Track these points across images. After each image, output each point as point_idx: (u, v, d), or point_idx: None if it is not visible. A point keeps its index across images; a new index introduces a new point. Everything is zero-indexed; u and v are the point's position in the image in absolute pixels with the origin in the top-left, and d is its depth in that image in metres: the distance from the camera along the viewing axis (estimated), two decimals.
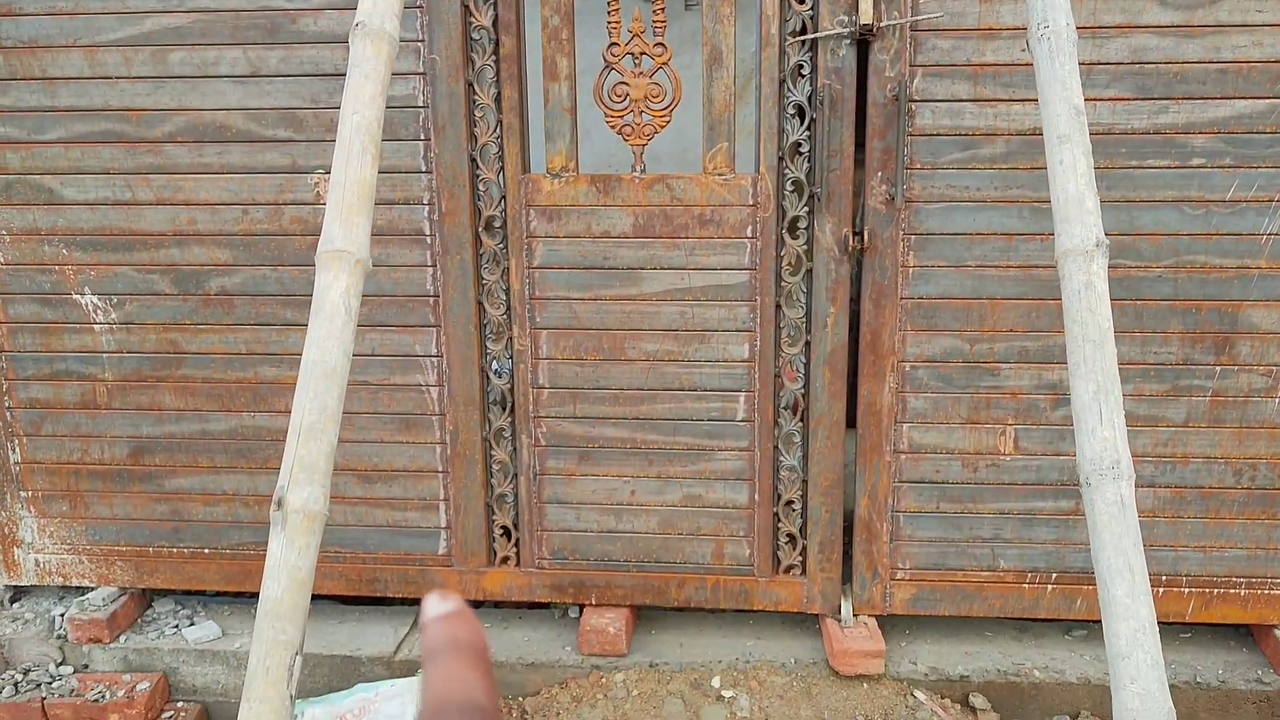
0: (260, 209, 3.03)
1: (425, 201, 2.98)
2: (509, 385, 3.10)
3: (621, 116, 2.92)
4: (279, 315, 3.09)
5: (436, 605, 0.40)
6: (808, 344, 3.00)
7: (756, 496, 3.10)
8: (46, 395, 3.23)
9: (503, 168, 2.96)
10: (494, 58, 2.89)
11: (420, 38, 2.89)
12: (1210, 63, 2.74)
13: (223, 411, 3.19)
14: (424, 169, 2.96)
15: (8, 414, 3.25)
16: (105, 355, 3.18)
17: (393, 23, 2.17)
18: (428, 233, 3.00)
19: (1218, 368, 2.91)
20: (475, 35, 2.89)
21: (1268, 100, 2.74)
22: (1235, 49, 2.73)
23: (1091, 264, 1.98)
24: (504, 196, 2.98)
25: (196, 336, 3.14)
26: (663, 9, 2.87)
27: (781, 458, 3.09)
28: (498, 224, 3.00)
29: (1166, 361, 2.92)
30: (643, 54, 2.88)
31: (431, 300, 3.04)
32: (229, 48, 2.94)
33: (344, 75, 2.87)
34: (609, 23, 2.86)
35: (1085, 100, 2.74)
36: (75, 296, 3.14)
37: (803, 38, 2.80)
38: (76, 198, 3.07)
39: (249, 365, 3.14)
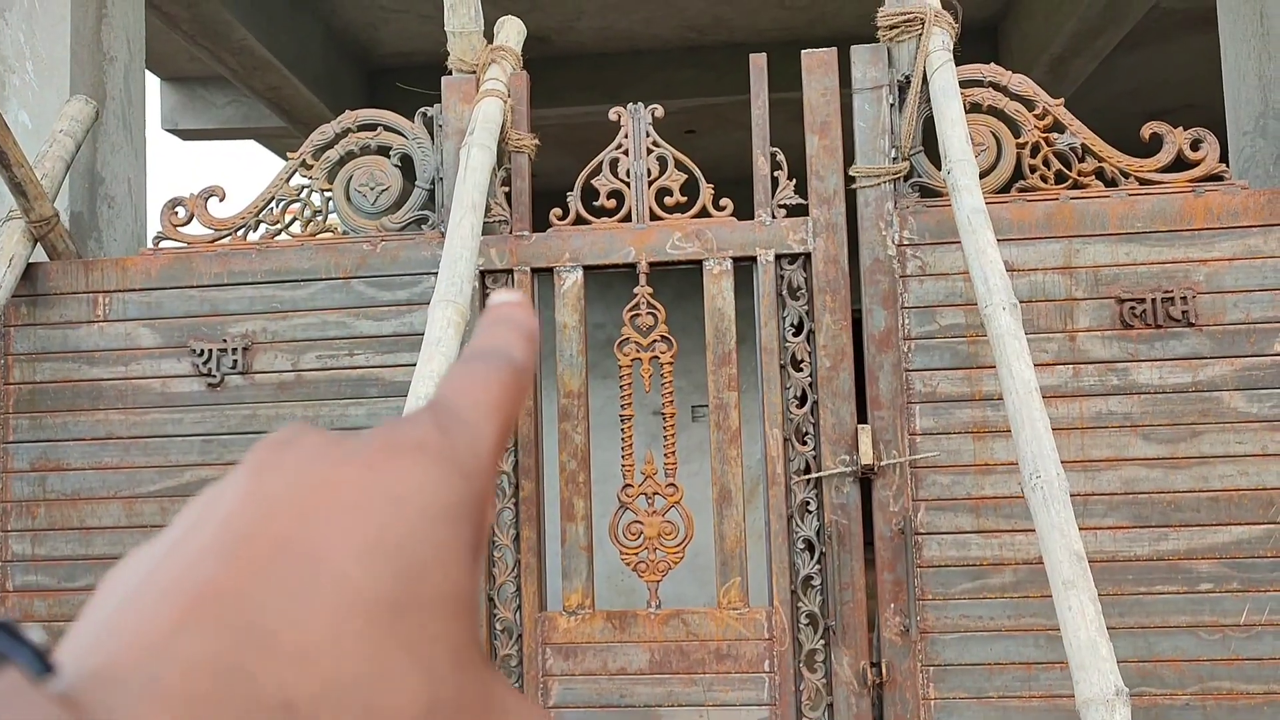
0: None
1: None
2: None
3: (636, 554, 3.00)
4: None
5: (503, 294, 0.39)
6: None
7: None
8: None
9: (520, 606, 3.01)
10: (514, 501, 3.03)
11: None
12: (1201, 491, 2.85)
13: None
14: None
15: None
16: None
17: None
18: None
19: None
20: (496, 480, 3.04)
21: (1263, 526, 2.83)
22: (1223, 478, 2.85)
23: (1114, 714, 1.97)
24: (520, 635, 3.00)
25: None
26: (673, 452, 3.04)
27: None
28: (514, 663, 3.00)
29: None
30: (655, 494, 3.02)
31: None
32: None
33: None
34: (623, 466, 3.02)
35: (1085, 529, 2.83)
36: None
37: (807, 476, 2.95)
38: None
39: None
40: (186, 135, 7.55)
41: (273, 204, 3.17)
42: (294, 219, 3.17)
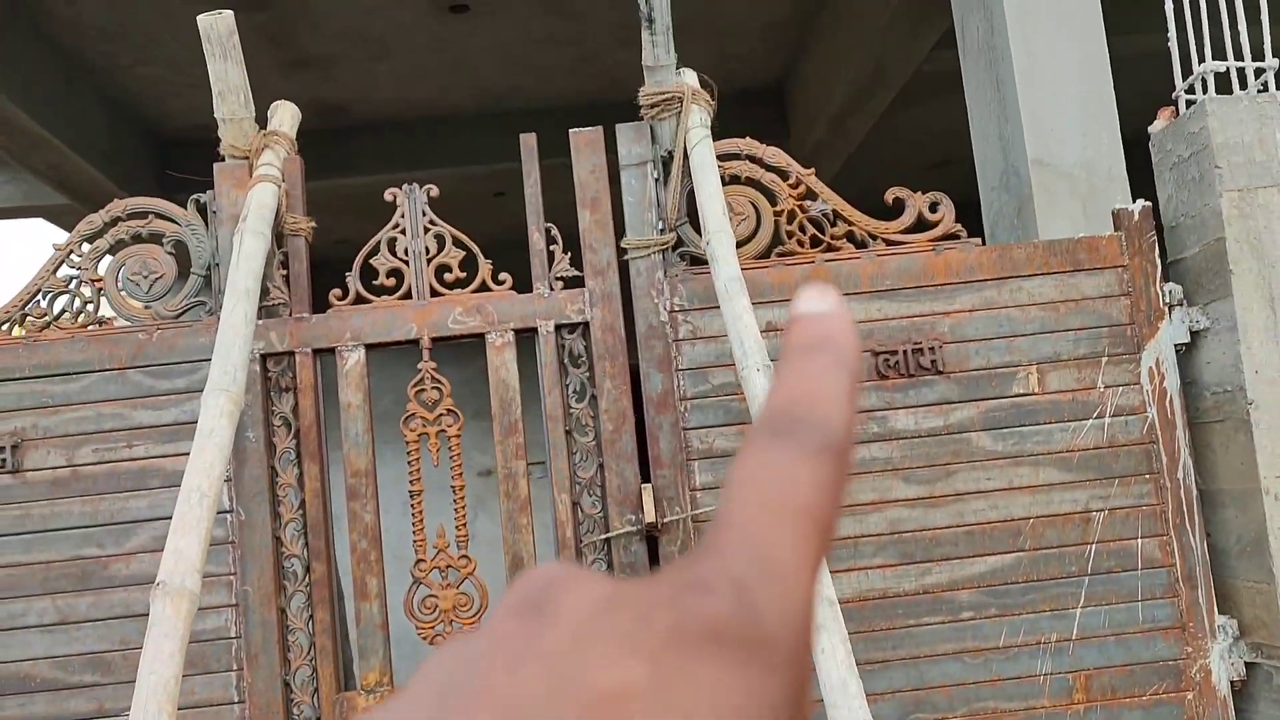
0: None
1: None
2: None
3: (433, 627, 3.03)
4: None
5: (813, 296, 0.30)
6: None
7: None
8: None
9: (317, 689, 2.99)
10: (306, 584, 3.02)
11: (233, 570, 3.00)
12: (958, 527, 3.08)
13: None
14: (237, 699, 2.96)
15: None
16: None
17: (194, 579, 2.29)
18: None
19: None
20: (287, 564, 3.03)
21: (1014, 554, 3.07)
22: (976, 513, 3.09)
23: None
24: (319, 718, 2.98)
25: None
26: (464, 524, 3.09)
27: None
28: None
29: None
30: (449, 567, 3.06)
31: None
32: (38, 598, 2.98)
33: None
34: (414, 541, 3.05)
35: (856, 569, 3.02)
36: None
37: (594, 538, 3.04)
38: None
39: None
40: None
41: (39, 296, 3.10)
42: (63, 311, 3.10)
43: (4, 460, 3.00)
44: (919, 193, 3.23)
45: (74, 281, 3.11)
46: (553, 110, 7.22)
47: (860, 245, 3.20)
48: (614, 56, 6.49)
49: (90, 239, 3.12)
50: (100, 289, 3.11)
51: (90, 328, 3.09)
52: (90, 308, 3.11)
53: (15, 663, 2.96)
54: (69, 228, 7.98)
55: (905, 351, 3.12)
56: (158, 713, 2.10)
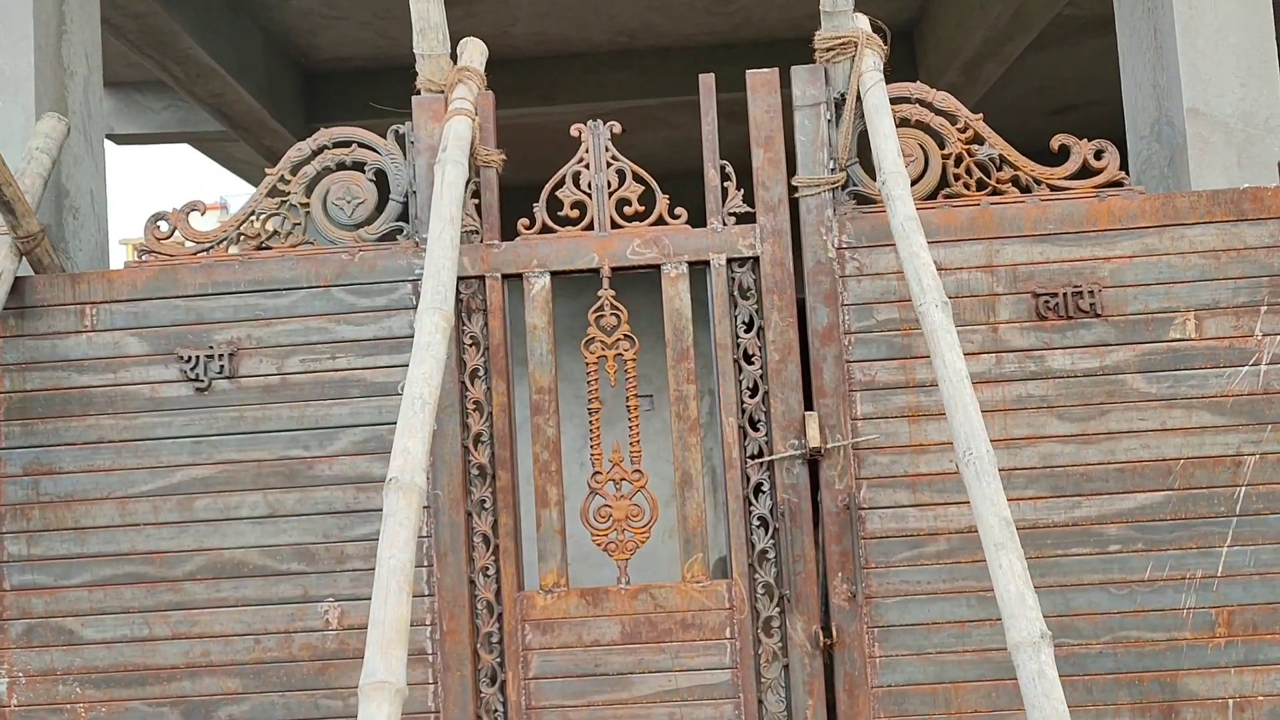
0: (271, 638, 3.25)
1: (428, 623, 3.23)
2: None
3: (606, 535, 3.26)
4: None
5: None
6: None
7: None
8: None
9: (499, 588, 3.25)
10: (491, 490, 3.27)
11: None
12: (1109, 464, 3.20)
13: None
14: (427, 592, 3.23)
15: None
16: None
17: (421, 476, 2.54)
18: (429, 651, 3.23)
19: None
20: (474, 471, 3.28)
21: (1163, 492, 3.19)
22: (1128, 451, 3.21)
23: (1039, 654, 2.29)
24: (500, 614, 3.24)
25: None
26: (638, 441, 3.30)
27: None
28: (495, 639, 3.24)
29: None
30: (623, 480, 3.28)
31: (432, 717, 3.21)
32: (250, 493, 3.28)
33: (354, 511, 3.23)
34: (592, 454, 3.28)
35: (1009, 500, 3.16)
36: None
37: (760, 460, 3.24)
38: (95, 637, 3.26)
39: None
40: (122, 140, 7.59)
41: (253, 217, 3.36)
42: (274, 231, 3.36)
43: (222, 366, 3.29)
44: (1084, 140, 3.32)
45: (283, 204, 3.36)
46: (683, 49, 7.32)
47: (1024, 190, 3.30)
48: None
49: (299, 166, 3.36)
50: (307, 212, 3.35)
51: (300, 247, 3.35)
52: (298, 230, 3.36)
53: (231, 549, 3.27)
54: (215, 154, 8.35)
55: (1065, 294, 3.22)
56: (398, 591, 2.35)
